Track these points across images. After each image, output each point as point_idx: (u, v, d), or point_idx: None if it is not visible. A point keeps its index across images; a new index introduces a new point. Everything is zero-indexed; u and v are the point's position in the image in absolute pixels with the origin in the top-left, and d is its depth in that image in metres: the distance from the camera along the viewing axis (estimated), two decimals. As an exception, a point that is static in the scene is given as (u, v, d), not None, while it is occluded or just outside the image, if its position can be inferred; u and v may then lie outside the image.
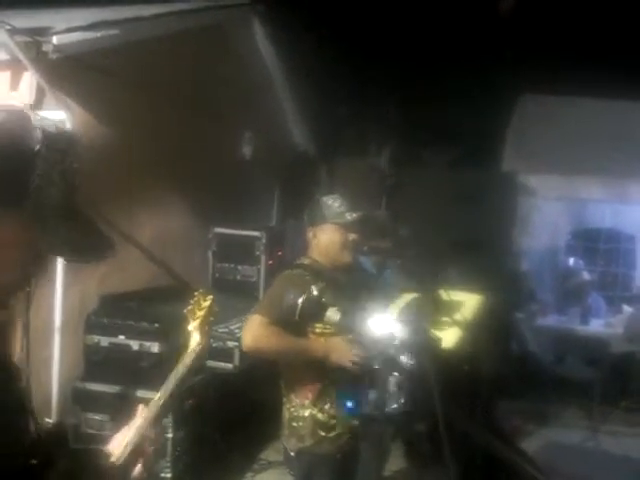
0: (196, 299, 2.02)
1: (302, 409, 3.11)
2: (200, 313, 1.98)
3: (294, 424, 3.13)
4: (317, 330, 3.05)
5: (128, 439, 1.63)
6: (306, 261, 3.23)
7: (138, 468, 1.61)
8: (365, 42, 6.89)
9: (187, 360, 1.88)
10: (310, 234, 3.24)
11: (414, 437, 4.51)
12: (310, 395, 3.10)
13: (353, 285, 3.22)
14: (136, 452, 1.61)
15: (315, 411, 3.09)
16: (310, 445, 3.10)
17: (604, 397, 6.79)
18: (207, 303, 2.01)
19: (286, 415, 3.19)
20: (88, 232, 1.29)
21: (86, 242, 1.29)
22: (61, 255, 1.31)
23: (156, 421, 1.73)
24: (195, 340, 1.93)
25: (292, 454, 3.16)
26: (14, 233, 1.17)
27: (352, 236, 3.19)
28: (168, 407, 1.78)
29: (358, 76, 7.26)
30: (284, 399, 3.21)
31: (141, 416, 1.70)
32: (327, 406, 3.09)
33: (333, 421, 3.10)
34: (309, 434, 3.10)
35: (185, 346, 1.95)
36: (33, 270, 1.29)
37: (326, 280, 3.05)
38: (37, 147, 1.14)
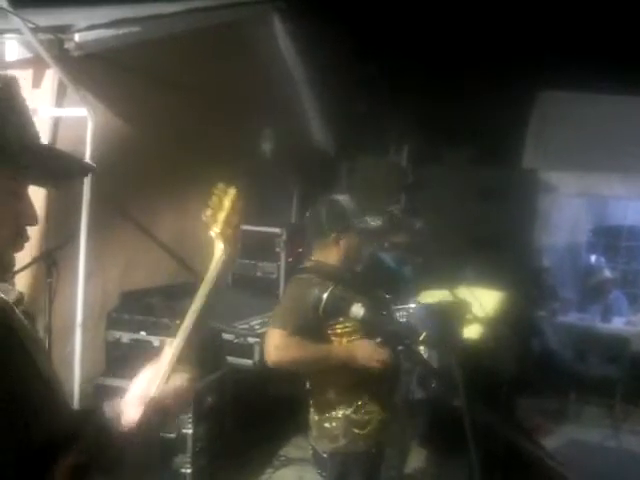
0: (215, 197, 1.63)
1: (334, 410, 3.10)
2: (222, 214, 1.61)
3: (326, 425, 3.11)
4: (338, 330, 3.03)
5: (155, 377, 1.49)
6: (312, 264, 3.18)
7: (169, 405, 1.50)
8: (385, 39, 6.88)
9: (212, 274, 1.58)
10: (331, 238, 3.14)
11: (436, 427, 4.51)
12: (341, 395, 3.09)
13: (365, 282, 3.18)
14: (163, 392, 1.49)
15: (349, 411, 3.08)
16: (344, 444, 3.09)
17: (625, 395, 6.75)
18: (230, 198, 1.63)
19: (315, 417, 3.17)
20: (57, 158, 1.34)
21: (58, 167, 1.32)
22: (38, 184, 1.34)
23: (184, 352, 1.50)
24: (219, 248, 1.59)
25: (324, 455, 3.13)
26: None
27: (371, 242, 3.15)
28: (197, 331, 1.51)
29: (378, 73, 7.24)
30: (311, 401, 3.20)
31: (167, 352, 1.52)
32: (359, 403, 3.09)
33: (366, 417, 3.09)
34: (342, 434, 3.08)
35: (208, 256, 1.61)
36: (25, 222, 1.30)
37: (336, 281, 2.91)
38: None
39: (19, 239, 1.30)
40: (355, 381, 3.06)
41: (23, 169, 1.25)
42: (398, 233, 4.08)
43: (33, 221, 1.31)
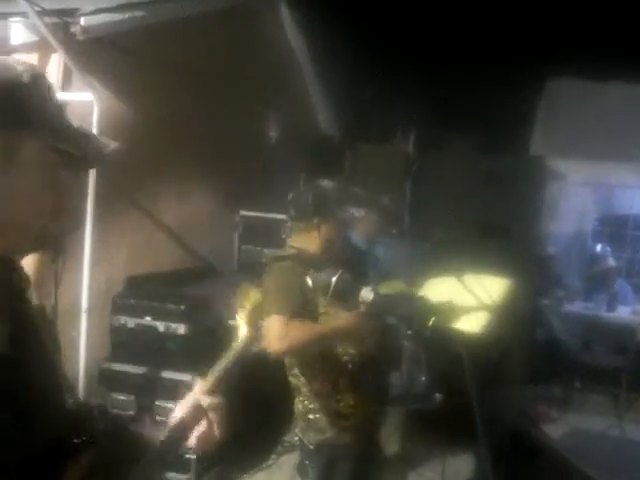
0: (244, 291, 2.03)
1: (320, 401, 3.07)
2: (249, 306, 1.98)
3: (311, 417, 3.10)
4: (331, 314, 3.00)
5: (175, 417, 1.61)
6: (291, 251, 3.13)
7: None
8: (392, 24, 6.83)
9: (233, 352, 1.86)
10: (312, 224, 3.09)
11: (434, 418, 4.50)
12: (327, 387, 3.06)
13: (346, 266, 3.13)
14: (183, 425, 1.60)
15: (333, 402, 3.06)
16: (330, 436, 3.07)
17: (630, 384, 6.75)
18: (257, 298, 2.02)
19: (300, 408, 3.14)
20: (87, 141, 1.35)
21: (89, 150, 1.35)
22: (70, 167, 1.33)
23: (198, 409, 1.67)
24: (242, 332, 1.92)
25: (311, 447, 3.11)
26: (34, 153, 1.23)
27: (365, 236, 3.11)
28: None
29: (384, 59, 7.19)
30: (296, 392, 3.16)
31: (193, 395, 1.67)
32: (345, 396, 3.06)
33: (352, 410, 3.07)
34: (328, 426, 3.07)
35: (234, 336, 1.93)
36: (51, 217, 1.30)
37: (316, 268, 2.88)
38: (25, 74, 1.24)
39: (41, 232, 1.30)
40: (341, 372, 3.04)
41: (62, 144, 1.28)
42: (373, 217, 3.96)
43: (57, 215, 1.31)
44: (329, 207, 3.08)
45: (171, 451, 1.55)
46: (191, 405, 1.63)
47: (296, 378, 3.14)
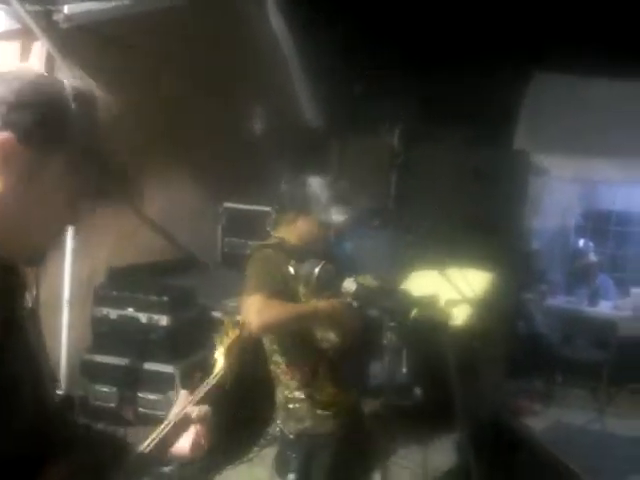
0: (225, 327, 2.11)
1: (299, 390, 3.08)
2: (228, 341, 2.06)
3: (290, 406, 3.10)
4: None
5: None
6: (273, 241, 3.15)
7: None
8: (379, 18, 6.81)
9: (208, 383, 1.91)
10: (290, 216, 3.14)
11: (416, 409, 4.52)
12: (307, 375, 3.06)
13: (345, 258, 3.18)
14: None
15: (313, 391, 3.07)
16: (310, 426, 3.08)
17: (611, 378, 6.80)
18: (235, 333, 2.10)
19: (281, 398, 3.15)
20: (120, 177, 1.39)
21: (119, 187, 1.39)
22: (95, 199, 1.36)
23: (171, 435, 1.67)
24: (219, 365, 2.00)
25: (291, 437, 3.12)
26: (57, 177, 1.23)
27: (333, 231, 3.13)
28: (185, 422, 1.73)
29: (371, 53, 7.18)
30: (276, 381, 3.17)
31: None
32: (325, 384, 3.07)
33: (332, 399, 3.08)
34: (307, 415, 3.08)
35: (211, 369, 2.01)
36: (67, 221, 1.34)
37: (297, 259, 2.94)
38: (69, 96, 1.25)
39: (55, 237, 1.37)
40: (321, 359, 3.05)
41: (88, 164, 1.28)
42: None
43: (74, 221, 1.35)
44: (307, 203, 3.09)
45: (156, 461, 1.57)
46: (178, 416, 1.67)
47: (276, 366, 3.14)
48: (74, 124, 1.24)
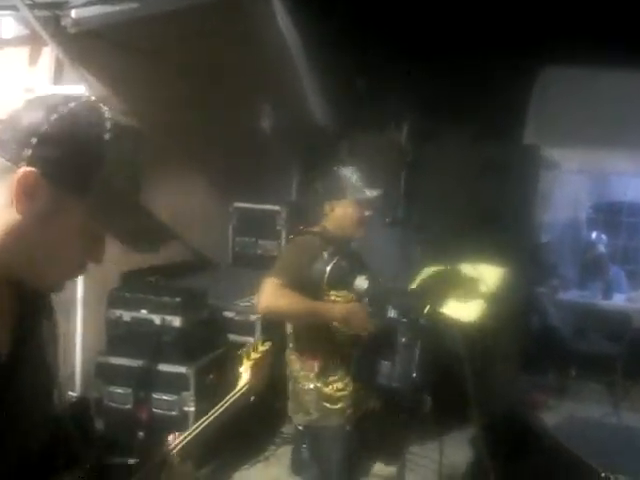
0: (254, 344, 2.12)
1: (307, 382, 3.13)
2: (255, 355, 2.05)
3: (299, 398, 3.16)
4: (331, 298, 3.06)
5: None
6: (317, 229, 3.23)
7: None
8: (385, 15, 6.80)
9: (232, 398, 1.93)
10: (327, 207, 3.23)
11: (430, 406, 4.50)
12: (316, 368, 3.12)
13: (361, 255, 3.25)
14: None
15: (320, 384, 3.11)
16: (316, 418, 3.13)
17: (625, 372, 6.76)
18: (264, 349, 2.09)
19: (291, 389, 3.22)
20: (148, 224, 1.36)
21: (145, 234, 1.37)
22: (121, 244, 1.35)
23: (192, 447, 1.73)
24: (244, 380, 1.99)
25: (300, 428, 3.21)
26: (79, 221, 1.18)
27: (368, 212, 3.19)
28: (206, 435, 1.81)
29: (378, 50, 7.17)
30: (288, 373, 3.24)
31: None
32: (333, 378, 3.12)
33: (339, 394, 3.12)
34: (314, 407, 3.12)
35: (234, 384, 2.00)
36: (90, 260, 1.31)
37: (335, 247, 3.03)
38: (107, 135, 1.16)
39: (78, 271, 1.32)
40: (332, 352, 3.10)
41: (109, 216, 1.24)
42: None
43: (98, 260, 1.32)
44: (339, 190, 3.21)
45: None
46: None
47: (290, 352, 3.21)
48: (106, 167, 1.16)
